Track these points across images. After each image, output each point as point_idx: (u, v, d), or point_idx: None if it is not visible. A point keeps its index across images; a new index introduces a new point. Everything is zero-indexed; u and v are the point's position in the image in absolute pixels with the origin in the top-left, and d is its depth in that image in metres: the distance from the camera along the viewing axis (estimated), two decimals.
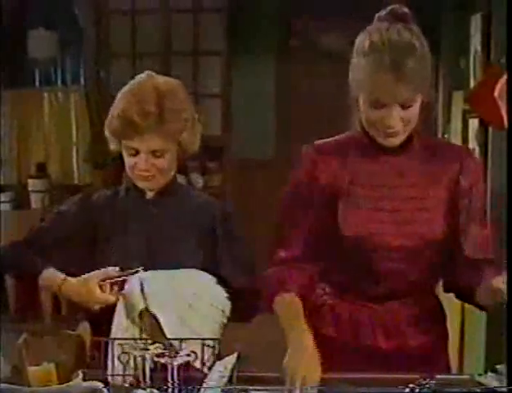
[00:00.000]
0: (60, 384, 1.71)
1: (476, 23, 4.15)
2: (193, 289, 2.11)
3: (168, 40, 6.10)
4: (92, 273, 2.15)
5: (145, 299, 1.98)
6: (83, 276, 2.16)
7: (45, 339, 1.82)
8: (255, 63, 6.16)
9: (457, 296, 2.14)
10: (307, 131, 5.46)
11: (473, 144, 3.99)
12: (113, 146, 2.27)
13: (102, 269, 2.14)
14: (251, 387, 1.83)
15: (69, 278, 2.18)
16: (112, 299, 2.09)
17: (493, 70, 3.50)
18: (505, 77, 2.75)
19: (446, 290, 2.15)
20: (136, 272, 2.08)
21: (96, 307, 2.12)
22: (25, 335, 1.78)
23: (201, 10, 6.08)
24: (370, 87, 1.93)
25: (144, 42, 6.10)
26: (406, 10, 1.98)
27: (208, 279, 2.17)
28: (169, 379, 1.73)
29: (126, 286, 2.06)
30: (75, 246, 2.29)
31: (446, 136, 4.93)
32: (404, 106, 1.93)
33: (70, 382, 1.69)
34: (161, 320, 1.97)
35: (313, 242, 2.09)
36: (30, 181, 5.75)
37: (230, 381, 1.81)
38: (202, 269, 2.19)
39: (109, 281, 2.11)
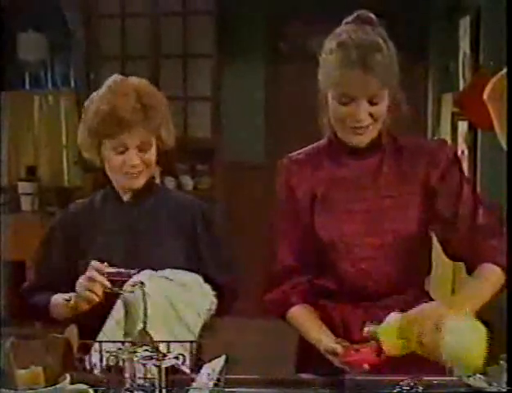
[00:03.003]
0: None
1: (465, 26, 4.17)
2: (187, 298, 2.12)
3: (158, 43, 6.09)
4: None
5: (145, 321, 1.92)
6: None
7: (32, 342, 1.81)
8: (245, 66, 6.15)
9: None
10: (296, 134, 5.49)
11: (462, 146, 4.01)
12: (87, 155, 2.31)
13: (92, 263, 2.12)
14: (239, 389, 1.83)
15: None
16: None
17: (482, 72, 3.52)
18: (493, 79, 2.76)
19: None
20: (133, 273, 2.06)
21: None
22: (12, 338, 1.77)
23: (191, 12, 6.07)
24: (338, 81, 1.99)
25: (134, 45, 6.09)
26: (371, 15, 2.08)
27: (198, 282, 2.18)
28: (157, 382, 1.73)
29: (127, 292, 2.02)
30: (69, 263, 2.29)
31: (435, 138, 4.94)
32: (372, 102, 2.00)
33: (57, 385, 1.69)
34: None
35: (302, 252, 2.14)
36: (20, 184, 5.73)
37: (218, 383, 1.81)
38: (184, 269, 2.20)
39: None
